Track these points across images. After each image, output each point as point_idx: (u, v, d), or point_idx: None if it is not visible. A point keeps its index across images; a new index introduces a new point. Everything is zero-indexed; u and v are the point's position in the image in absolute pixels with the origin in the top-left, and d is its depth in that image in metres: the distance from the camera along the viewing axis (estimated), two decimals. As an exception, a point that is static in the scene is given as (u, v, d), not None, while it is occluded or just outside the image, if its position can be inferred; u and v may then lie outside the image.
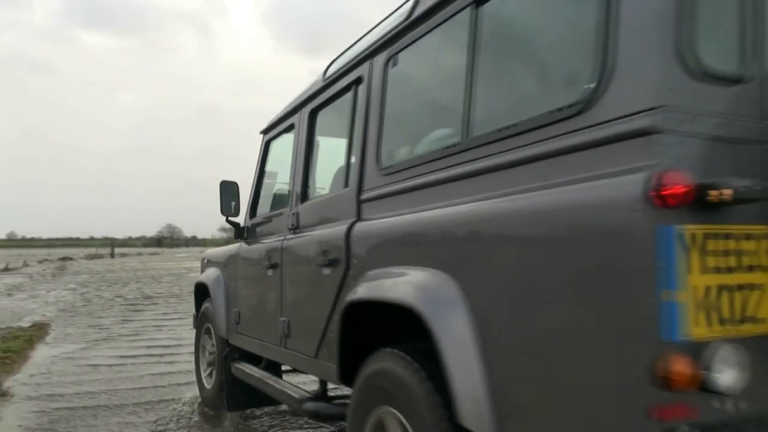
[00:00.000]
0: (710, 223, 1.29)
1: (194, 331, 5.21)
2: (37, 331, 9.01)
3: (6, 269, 29.97)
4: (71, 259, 48.67)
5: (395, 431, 2.05)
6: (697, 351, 1.25)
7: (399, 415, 2.00)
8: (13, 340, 7.88)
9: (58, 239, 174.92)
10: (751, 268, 1.33)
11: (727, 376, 1.25)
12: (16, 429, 4.50)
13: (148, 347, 7.84)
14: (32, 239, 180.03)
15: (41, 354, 7.51)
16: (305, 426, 4.34)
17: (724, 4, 1.47)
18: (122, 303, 14.15)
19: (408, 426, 1.95)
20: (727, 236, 1.31)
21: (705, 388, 1.24)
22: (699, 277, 1.26)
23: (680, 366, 1.22)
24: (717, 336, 1.28)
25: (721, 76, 1.41)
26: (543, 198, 1.54)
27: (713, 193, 1.25)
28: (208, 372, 4.83)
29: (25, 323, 10.02)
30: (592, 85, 1.48)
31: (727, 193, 1.25)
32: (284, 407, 4.63)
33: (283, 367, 4.03)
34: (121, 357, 7.24)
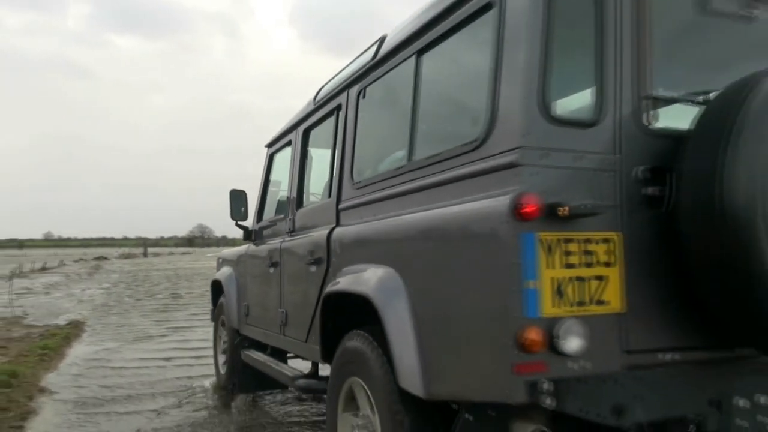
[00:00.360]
0: (560, 231, 1.75)
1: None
2: (73, 329, 9.25)
3: (43, 268, 30.77)
4: (105, 258, 49.72)
5: (361, 397, 2.57)
6: (548, 324, 1.71)
7: (363, 383, 2.50)
8: (50, 338, 8.10)
9: (92, 239, 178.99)
10: (590, 265, 1.78)
11: (571, 343, 1.71)
12: (54, 424, 4.64)
13: (180, 349, 8.01)
14: (68, 239, 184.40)
15: (77, 351, 7.69)
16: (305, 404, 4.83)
17: (580, 66, 1.97)
18: (154, 302, 14.43)
19: (369, 392, 2.45)
20: (571, 241, 1.76)
21: (555, 351, 1.70)
22: (550, 271, 1.73)
23: (535, 335, 1.68)
24: (564, 314, 1.73)
25: (576, 122, 1.88)
26: (448, 211, 2.05)
27: (560, 209, 1.72)
28: (223, 360, 5.33)
29: (61, 321, 10.30)
30: (485, 127, 1.96)
31: (564, 209, 1.72)
32: (289, 394, 5.05)
33: (288, 355, 4.40)
34: (154, 356, 7.41)
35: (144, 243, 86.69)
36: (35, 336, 8.43)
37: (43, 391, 5.57)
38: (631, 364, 1.85)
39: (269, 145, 4.79)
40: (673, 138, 1.93)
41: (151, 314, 11.80)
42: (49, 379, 6.05)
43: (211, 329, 6.02)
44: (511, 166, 1.82)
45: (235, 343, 4.90)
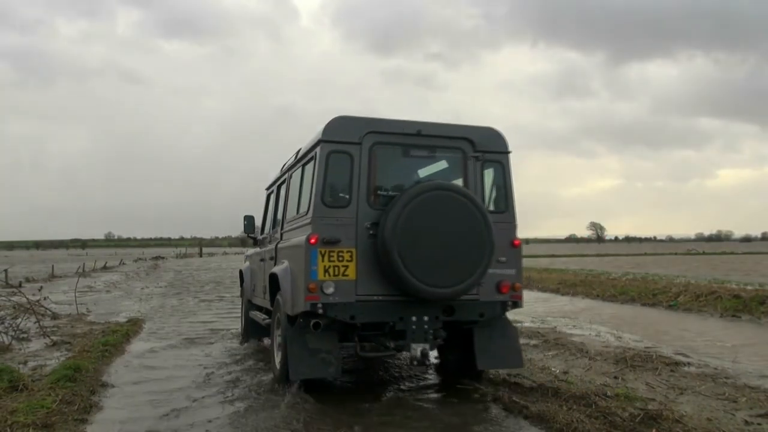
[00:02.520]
0: (326, 247, 4.93)
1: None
2: (133, 326, 9.57)
3: (105, 267, 31.98)
4: (163, 258, 51.32)
5: (278, 319, 5.76)
6: (320, 282, 4.89)
7: (279, 315, 5.72)
8: (111, 334, 8.41)
9: (150, 239, 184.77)
10: (341, 260, 4.95)
11: (328, 289, 4.90)
12: (117, 419, 4.83)
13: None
14: (127, 239, 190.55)
15: (137, 348, 7.99)
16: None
17: (343, 183, 5.09)
18: (210, 300, 14.80)
19: (279, 317, 5.69)
20: (331, 252, 4.95)
21: (323, 292, 4.89)
22: (322, 263, 4.90)
23: (314, 286, 4.88)
24: (327, 279, 4.91)
25: (338, 206, 5.05)
26: (295, 240, 5.48)
27: (324, 239, 4.95)
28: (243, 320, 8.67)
29: (121, 318, 10.69)
30: (307, 207, 5.26)
31: (315, 239, 4.93)
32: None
33: (266, 320, 7.02)
34: (205, 353, 7.62)
35: (199, 243, 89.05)
36: (97, 332, 8.77)
37: (104, 385, 5.80)
38: (359, 300, 4.96)
39: (267, 188, 8.02)
40: (383, 210, 5.01)
41: (208, 310, 12.13)
42: (109, 374, 6.31)
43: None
44: (311, 223, 5.01)
45: (246, 308, 8.17)
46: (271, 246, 6.52)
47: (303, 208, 5.43)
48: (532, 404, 4.93)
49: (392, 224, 4.82)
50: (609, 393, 5.14)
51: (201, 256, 64.88)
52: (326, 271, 4.88)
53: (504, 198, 5.50)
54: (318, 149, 5.16)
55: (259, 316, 7.25)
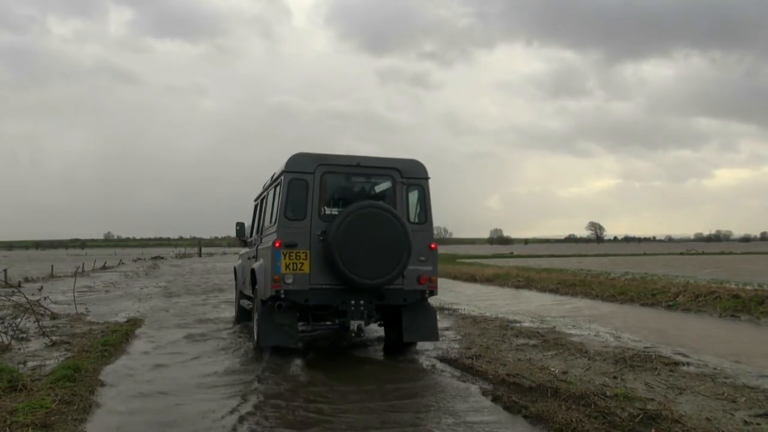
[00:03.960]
0: (288, 249, 6.75)
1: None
2: (132, 326, 9.57)
3: (104, 267, 31.94)
4: (162, 258, 51.30)
5: (255, 307, 7.77)
6: (282, 274, 6.71)
7: (256, 300, 7.68)
8: (111, 334, 8.41)
9: (149, 239, 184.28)
10: (298, 258, 6.76)
11: (288, 280, 6.70)
12: (115, 417, 4.83)
13: (227, 347, 8.18)
14: (126, 239, 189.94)
15: (136, 347, 8.00)
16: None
17: (301, 202, 6.88)
18: (208, 300, 14.78)
19: (256, 302, 7.65)
20: (291, 252, 6.76)
21: (284, 282, 6.70)
22: (284, 260, 6.72)
23: (278, 277, 6.70)
24: (288, 272, 6.72)
25: (296, 219, 6.87)
26: (267, 243, 7.43)
27: (286, 244, 6.77)
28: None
29: (121, 318, 10.68)
30: (275, 220, 7.20)
31: (279, 243, 6.75)
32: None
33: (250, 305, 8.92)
34: (204, 350, 7.61)
35: (199, 243, 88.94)
36: (97, 332, 8.77)
37: (104, 384, 5.80)
38: (311, 288, 6.78)
39: (254, 200, 9.77)
40: (330, 221, 6.76)
41: (206, 311, 12.13)
42: (108, 373, 6.31)
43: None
44: (276, 231, 6.91)
45: (238, 297, 10.27)
46: (254, 248, 8.66)
47: (273, 220, 7.41)
48: (532, 404, 4.94)
49: (334, 232, 6.60)
50: (608, 393, 5.14)
51: (200, 255, 64.86)
52: (287, 266, 6.74)
53: (424, 213, 7.28)
54: (282, 177, 7.02)
55: (245, 303, 9.52)
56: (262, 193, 8.85)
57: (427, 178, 7.32)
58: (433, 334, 7.40)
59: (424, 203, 7.26)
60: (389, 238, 6.64)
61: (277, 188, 7.30)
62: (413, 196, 7.29)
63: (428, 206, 7.25)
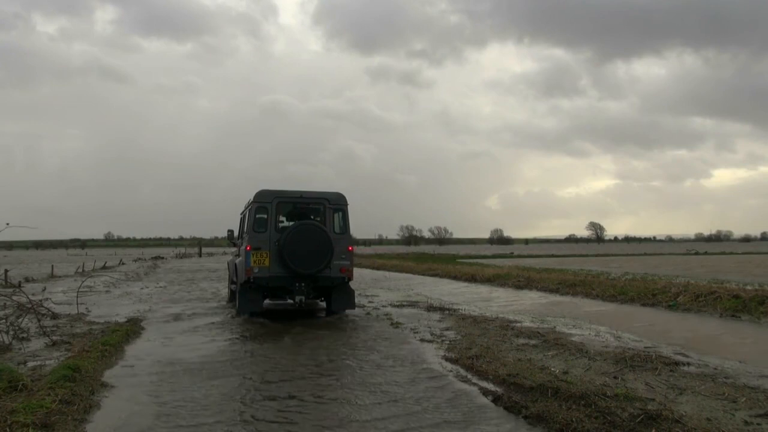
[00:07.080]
0: (255, 251, 10.70)
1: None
2: (132, 326, 9.58)
3: (104, 267, 31.92)
4: (162, 258, 51.29)
5: (238, 288, 11.97)
6: (252, 267, 10.62)
7: (237, 284, 11.76)
8: (111, 334, 8.41)
9: (150, 239, 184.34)
10: (262, 257, 10.70)
11: (255, 270, 10.62)
12: (118, 419, 4.83)
13: (230, 340, 8.17)
14: (127, 239, 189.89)
15: (136, 348, 8.01)
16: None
17: (263, 221, 10.95)
18: (207, 298, 14.79)
19: (237, 286, 11.76)
20: (257, 253, 10.69)
21: (253, 271, 10.62)
22: (252, 258, 10.68)
23: (249, 269, 10.62)
24: (255, 265, 10.66)
25: (261, 231, 10.88)
26: (243, 247, 11.44)
27: (254, 247, 10.72)
28: (227, 291, 14.72)
29: (121, 318, 10.69)
30: (248, 232, 11.13)
31: (249, 247, 10.66)
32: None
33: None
34: (205, 346, 7.62)
35: (199, 243, 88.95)
36: (97, 332, 8.77)
37: (104, 385, 5.79)
38: (271, 276, 10.73)
39: (240, 213, 12.95)
40: (282, 233, 10.78)
41: (206, 311, 12.14)
42: (109, 374, 6.31)
43: (255, 326, 9.86)
44: (248, 239, 10.82)
45: (229, 285, 13.88)
46: (238, 249, 12.64)
47: (246, 231, 11.11)
48: (532, 404, 4.94)
49: (285, 239, 10.45)
50: (609, 393, 5.14)
51: (200, 255, 64.86)
52: (255, 261, 10.58)
53: (344, 227, 11.30)
54: (252, 205, 10.99)
55: (233, 287, 12.90)
56: (243, 211, 12.67)
57: (346, 205, 11.39)
58: (351, 306, 11.37)
59: (344, 221, 11.32)
60: (320, 243, 10.54)
61: (250, 210, 11.12)
62: (337, 216, 11.31)
63: (347, 222, 11.32)
